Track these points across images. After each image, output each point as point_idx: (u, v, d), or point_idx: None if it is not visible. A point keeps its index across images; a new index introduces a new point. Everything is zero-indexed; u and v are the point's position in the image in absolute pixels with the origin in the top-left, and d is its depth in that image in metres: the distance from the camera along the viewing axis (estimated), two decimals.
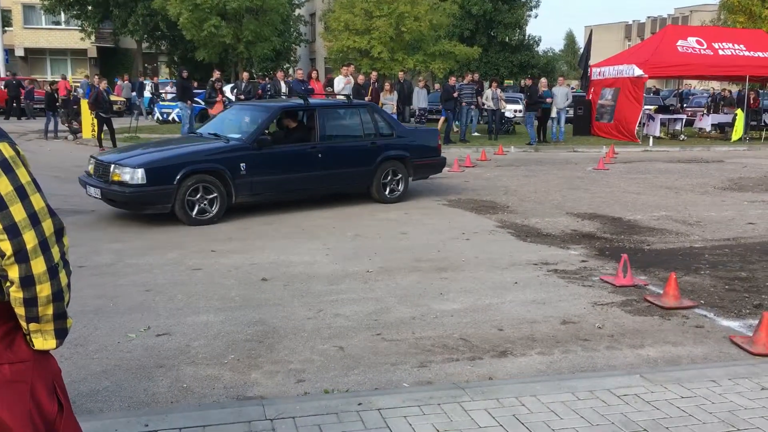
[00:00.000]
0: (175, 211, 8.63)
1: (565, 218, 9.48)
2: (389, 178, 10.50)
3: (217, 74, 18.40)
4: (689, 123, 24.07)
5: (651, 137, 20.95)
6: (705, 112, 24.42)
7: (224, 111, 11.87)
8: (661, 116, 22.32)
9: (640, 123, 21.00)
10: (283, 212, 9.60)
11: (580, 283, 6.32)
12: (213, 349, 4.61)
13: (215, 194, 8.80)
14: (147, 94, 28.62)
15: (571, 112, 22.43)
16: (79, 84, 30.68)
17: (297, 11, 39.29)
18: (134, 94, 29.84)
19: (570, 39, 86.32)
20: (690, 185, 12.78)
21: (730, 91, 27.77)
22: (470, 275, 6.54)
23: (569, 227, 8.88)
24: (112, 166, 8.61)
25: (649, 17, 77.97)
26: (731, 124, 22.15)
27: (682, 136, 22.41)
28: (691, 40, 21.58)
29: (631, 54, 23.98)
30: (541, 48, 47.47)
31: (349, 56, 27.81)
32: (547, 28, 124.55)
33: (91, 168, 9.23)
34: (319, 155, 9.73)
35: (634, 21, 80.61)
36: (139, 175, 8.38)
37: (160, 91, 28.54)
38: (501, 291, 6.05)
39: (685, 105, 28.49)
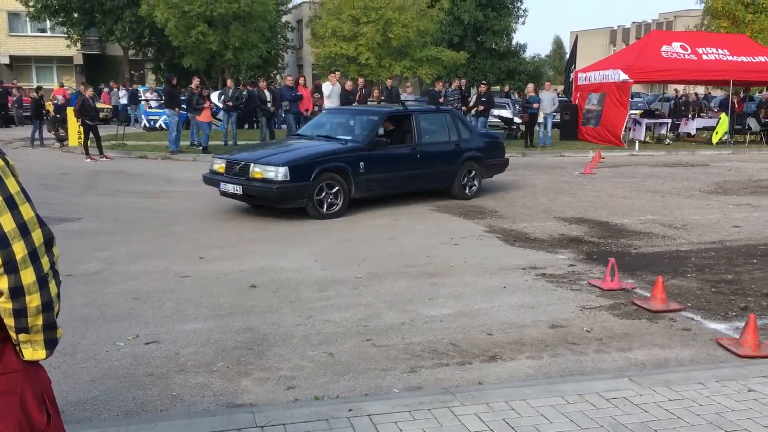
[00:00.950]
0: (305, 206, 9.47)
1: (553, 222, 9.52)
2: (468, 176, 11.54)
3: (196, 82, 18.35)
4: (675, 127, 24.24)
5: (637, 141, 21.10)
6: (691, 116, 24.60)
7: (319, 115, 12.64)
8: (646, 120, 22.49)
9: (626, 127, 21.15)
10: (271, 219, 9.59)
11: (569, 287, 6.35)
12: (202, 357, 4.60)
13: (339, 190, 9.66)
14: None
15: (558, 116, 22.55)
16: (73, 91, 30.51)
17: (284, 18, 39.28)
18: (122, 101, 29.63)
19: (558, 44, 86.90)
20: (676, 189, 12.88)
21: (696, 94, 27.95)
22: (459, 280, 6.56)
23: (557, 231, 8.92)
24: (252, 164, 9.41)
25: (633, 22, 78.58)
26: (715, 128, 22.34)
27: (668, 140, 22.58)
28: (675, 45, 21.77)
29: (616, 59, 24.18)
30: (528, 54, 47.78)
31: (336, 62, 27.84)
32: (533, 34, 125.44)
33: (219, 167, 9.96)
34: (418, 155, 10.79)
35: (619, 26, 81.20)
36: (282, 173, 9.13)
37: (148, 97, 28.35)
38: (490, 295, 6.07)
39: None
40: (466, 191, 11.54)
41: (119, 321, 5.29)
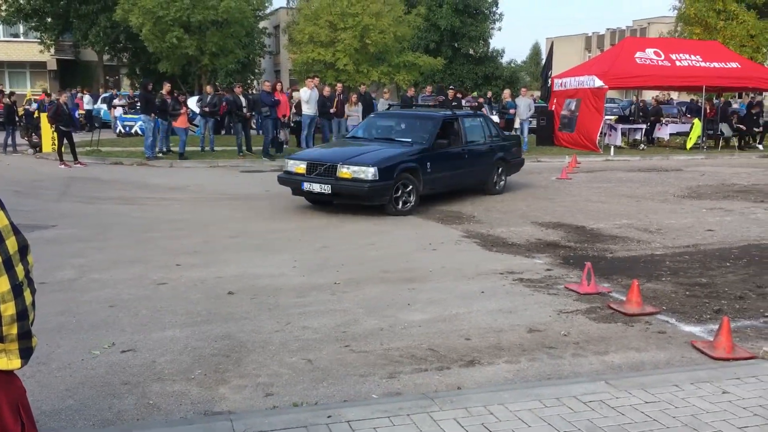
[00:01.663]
0: (386, 203, 10.26)
1: (530, 227, 9.59)
2: (497, 174, 12.72)
3: (167, 87, 18.23)
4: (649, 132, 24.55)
5: (612, 147, 21.32)
6: (664, 121, 24.92)
7: (368, 118, 13.46)
8: (621, 126, 22.74)
9: (601, 133, 21.36)
10: (248, 225, 9.55)
11: (546, 292, 6.40)
12: (179, 365, 4.56)
13: (412, 188, 10.46)
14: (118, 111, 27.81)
15: (534, 122, 22.73)
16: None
17: (261, 23, 39.14)
18: (86, 107, 29.26)
19: (535, 50, 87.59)
20: (650, 193, 13.03)
21: (656, 101, 28.50)
22: (437, 285, 6.57)
23: (534, 236, 8.98)
24: (339, 165, 10.08)
25: (608, 29, 79.32)
26: (689, 134, 22.67)
27: (642, 146, 22.85)
28: (649, 52, 22.05)
29: (591, 65, 24.42)
30: (505, 59, 48.12)
31: (314, 68, 27.80)
32: (510, 40, 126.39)
33: (298, 168, 10.56)
34: (466, 155, 11.85)
35: (593, 33, 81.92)
36: (371, 173, 9.89)
37: (116, 103, 27.94)
38: (468, 300, 6.09)
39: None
40: (496, 187, 12.70)
41: (95, 329, 5.23)
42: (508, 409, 3.78)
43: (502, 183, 12.87)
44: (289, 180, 10.72)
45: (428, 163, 10.78)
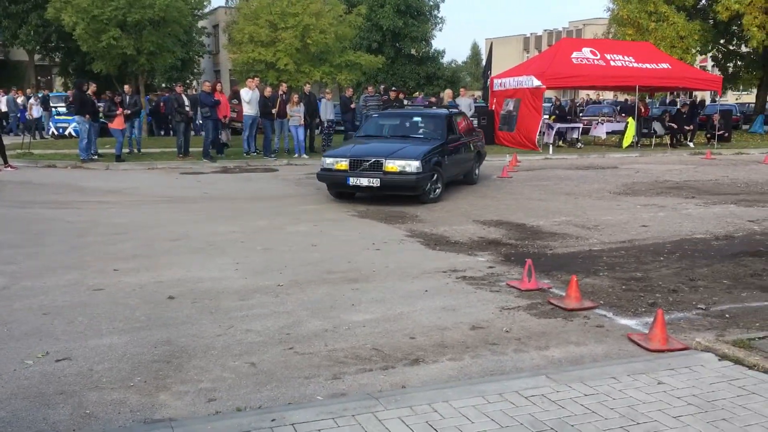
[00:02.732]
0: (422, 192, 11.37)
1: (472, 226, 9.70)
2: (476, 165, 14.36)
3: (93, 88, 17.75)
4: (585, 131, 25.18)
5: (551, 145, 21.77)
6: (599, 121, 25.60)
7: (374, 117, 14.14)
8: (559, 125, 23.24)
9: (540, 132, 21.78)
10: (188, 228, 9.38)
11: (488, 289, 6.48)
12: (118, 372, 4.44)
13: (438, 178, 11.67)
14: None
15: (475, 122, 23.03)
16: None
17: (200, 23, 38.44)
18: (2, 108, 28.27)
19: (475, 51, 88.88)
20: (588, 191, 13.35)
21: (573, 101, 29.40)
22: (381, 285, 6.58)
23: (476, 234, 9.09)
24: (385, 160, 11.06)
25: (545, 30, 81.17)
26: (623, 132, 23.34)
27: (579, 144, 23.40)
28: (585, 51, 22.62)
29: (529, 65, 24.89)
30: (445, 59, 48.58)
31: (254, 68, 27.47)
32: (451, 40, 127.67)
33: (341, 165, 11.34)
34: (462, 149, 13.25)
35: (531, 34, 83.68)
36: (416, 165, 11.01)
37: (31, 103, 27.06)
38: (412, 299, 6.12)
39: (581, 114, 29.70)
40: (475, 177, 14.26)
41: (27, 338, 5.04)
42: (452, 406, 3.81)
43: (477, 172, 14.40)
44: (332, 176, 11.46)
45: (445, 156, 11.98)
